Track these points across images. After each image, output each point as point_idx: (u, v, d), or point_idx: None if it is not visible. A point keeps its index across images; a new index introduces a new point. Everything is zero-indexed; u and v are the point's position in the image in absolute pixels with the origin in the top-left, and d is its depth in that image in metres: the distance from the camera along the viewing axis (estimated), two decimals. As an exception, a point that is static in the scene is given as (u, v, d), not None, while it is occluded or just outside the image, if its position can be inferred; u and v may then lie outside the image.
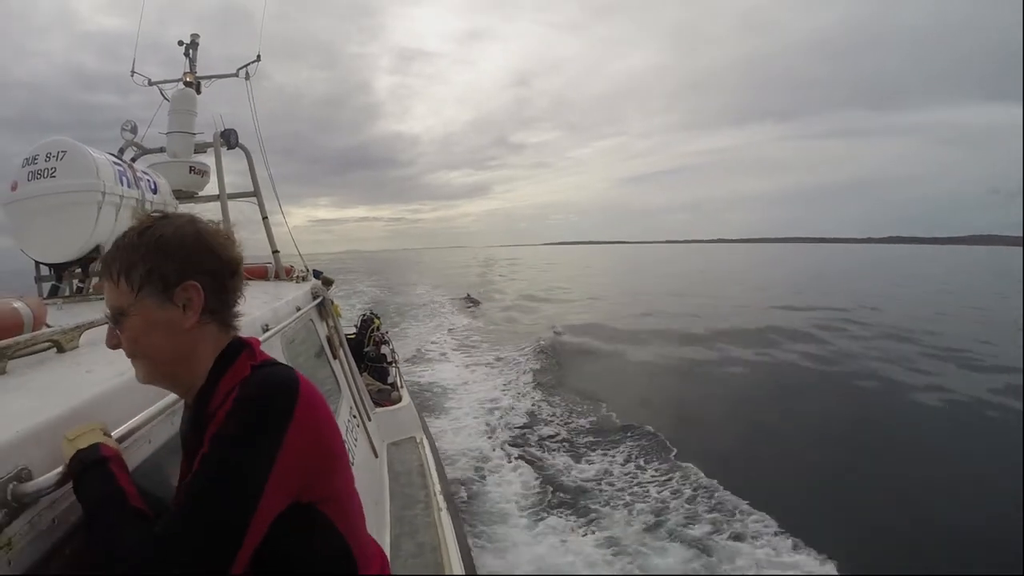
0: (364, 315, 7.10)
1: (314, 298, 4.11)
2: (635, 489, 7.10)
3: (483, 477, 7.10)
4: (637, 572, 5.37)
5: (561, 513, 6.40)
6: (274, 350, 2.55)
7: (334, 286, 4.75)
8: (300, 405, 0.97)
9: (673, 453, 8.12)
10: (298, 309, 3.49)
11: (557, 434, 8.90)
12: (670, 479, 7.30)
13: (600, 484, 7.21)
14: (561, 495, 6.80)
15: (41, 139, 3.18)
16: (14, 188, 3.11)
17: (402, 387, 5.88)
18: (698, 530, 6.08)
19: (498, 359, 15.03)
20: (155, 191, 3.82)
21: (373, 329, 6.47)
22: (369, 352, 5.94)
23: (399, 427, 5.22)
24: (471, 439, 8.43)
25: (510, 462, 7.56)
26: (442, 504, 4.06)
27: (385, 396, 5.50)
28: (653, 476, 7.45)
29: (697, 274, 55.88)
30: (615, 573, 5.14)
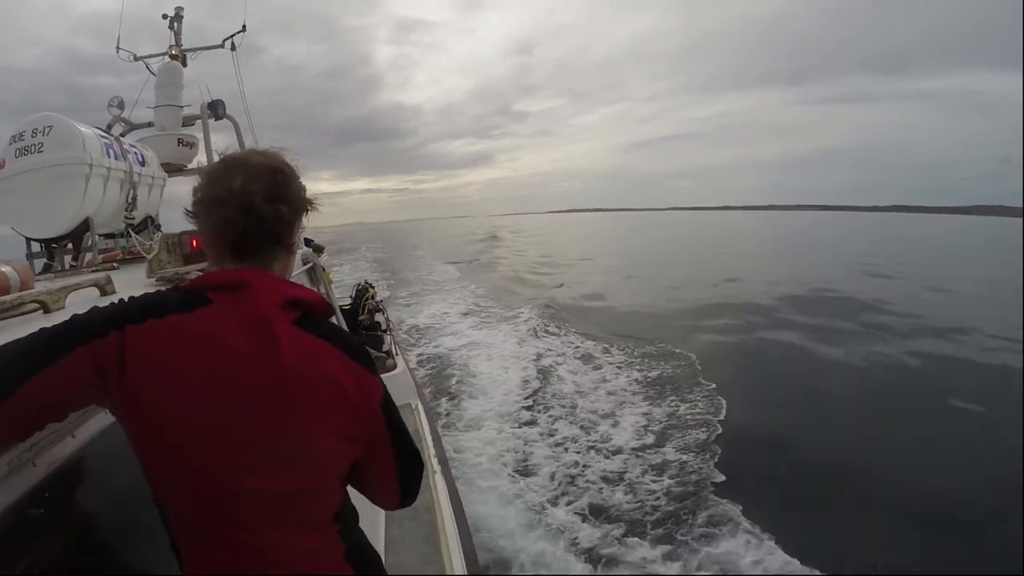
0: (358, 285, 7.17)
1: (304, 264, 4.19)
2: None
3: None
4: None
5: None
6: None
7: (325, 253, 4.82)
8: (127, 335, 1.00)
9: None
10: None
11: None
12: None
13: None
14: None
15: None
16: (2, 166, 3.18)
17: (397, 355, 5.98)
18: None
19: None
20: (143, 163, 3.87)
21: (367, 298, 6.56)
22: (363, 320, 6.03)
23: (395, 394, 5.25)
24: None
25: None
26: (436, 467, 4.20)
27: (380, 364, 5.59)
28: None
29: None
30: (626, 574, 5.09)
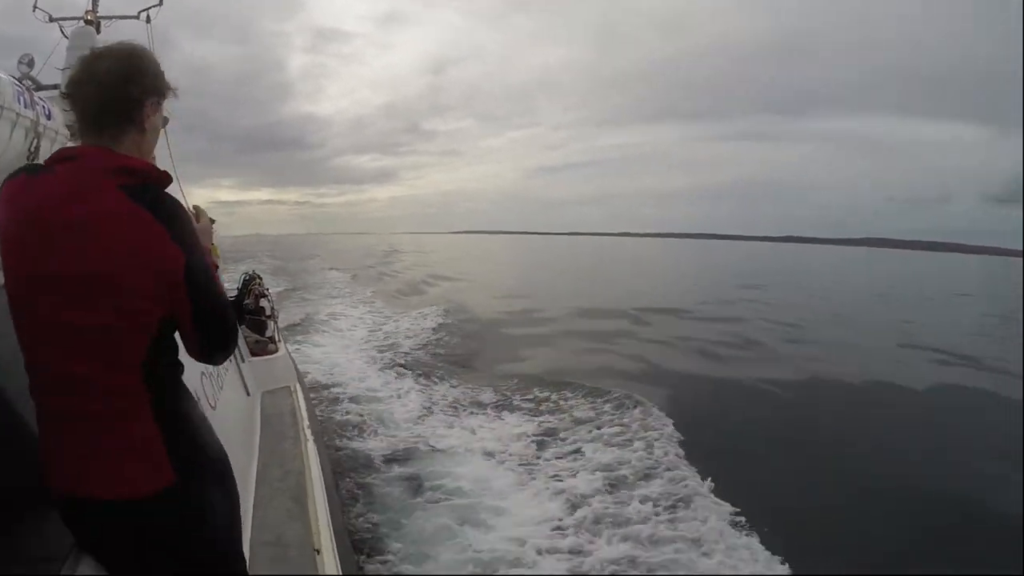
0: (245, 274, 7.21)
1: None
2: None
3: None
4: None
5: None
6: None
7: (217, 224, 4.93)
8: None
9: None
10: None
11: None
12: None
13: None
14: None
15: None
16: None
17: (280, 340, 6.12)
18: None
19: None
20: (49, 117, 3.92)
21: (254, 284, 6.63)
22: (248, 305, 6.12)
23: (275, 377, 5.48)
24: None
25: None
26: (309, 436, 4.41)
27: (262, 347, 5.73)
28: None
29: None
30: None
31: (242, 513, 3.10)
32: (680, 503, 6.08)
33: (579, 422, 8.66)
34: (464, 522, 5.56)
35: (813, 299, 29.33)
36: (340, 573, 3.03)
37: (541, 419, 8.83)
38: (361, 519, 5.49)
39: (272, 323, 6.21)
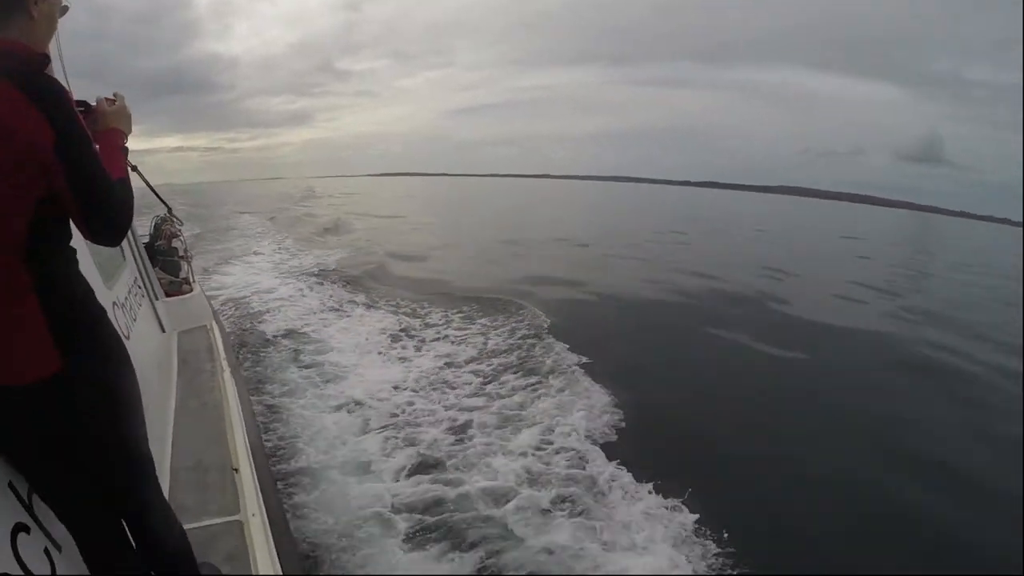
0: (156, 217, 6.99)
1: None
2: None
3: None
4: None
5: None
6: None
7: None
8: None
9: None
10: None
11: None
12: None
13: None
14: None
15: None
16: None
17: (194, 281, 6.08)
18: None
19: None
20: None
21: (165, 225, 6.48)
22: (160, 246, 6.01)
23: (190, 316, 5.47)
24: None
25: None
26: (225, 367, 4.49)
27: (176, 288, 5.69)
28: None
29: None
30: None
31: (162, 444, 3.22)
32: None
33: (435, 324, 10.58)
34: (327, 380, 7.54)
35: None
36: (256, 486, 3.16)
37: (400, 318, 10.92)
38: (275, 435, 5.89)
39: (186, 264, 6.13)
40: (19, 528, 1.44)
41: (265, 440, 5.28)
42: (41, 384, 1.35)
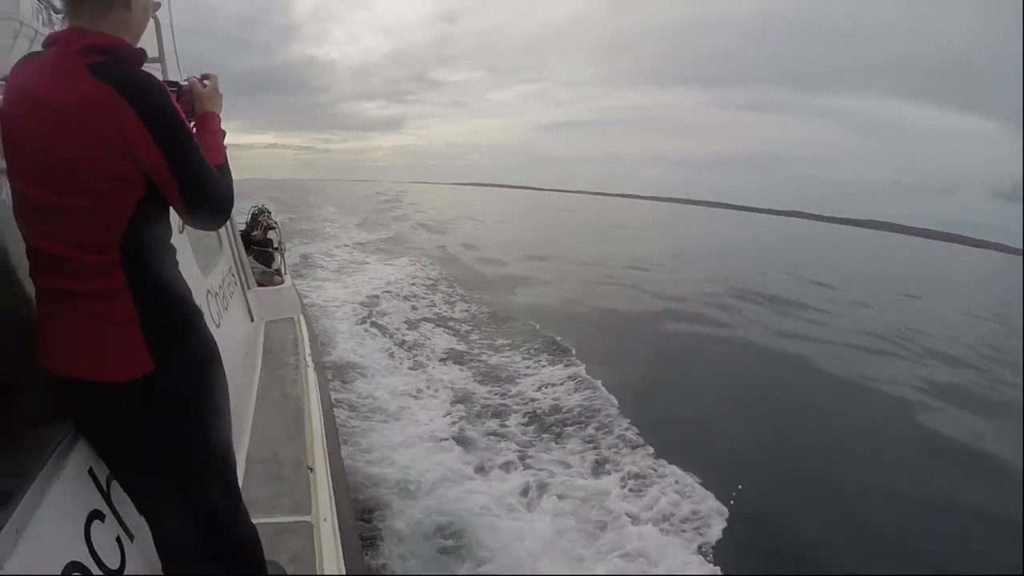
0: (253, 208, 7.29)
1: None
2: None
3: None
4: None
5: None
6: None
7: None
8: None
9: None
10: None
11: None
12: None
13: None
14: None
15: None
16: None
17: (286, 273, 6.27)
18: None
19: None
20: (67, 38, 3.97)
21: (262, 216, 6.73)
22: (256, 236, 6.23)
23: (279, 307, 5.63)
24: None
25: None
26: (309, 363, 4.56)
27: (268, 278, 5.88)
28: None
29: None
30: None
31: (241, 433, 3.27)
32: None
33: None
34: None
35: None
36: (330, 488, 3.13)
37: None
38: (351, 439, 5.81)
39: (279, 255, 6.33)
40: (94, 515, 1.45)
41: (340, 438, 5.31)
42: (131, 383, 1.36)
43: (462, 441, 6.00)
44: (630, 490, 5.36)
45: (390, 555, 4.33)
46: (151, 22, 5.20)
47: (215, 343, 1.59)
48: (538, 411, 7.03)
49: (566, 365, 8.65)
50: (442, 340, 9.83)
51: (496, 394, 7.56)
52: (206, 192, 1.40)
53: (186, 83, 1.73)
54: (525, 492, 5.24)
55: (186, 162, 1.34)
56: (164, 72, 5.28)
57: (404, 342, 9.19)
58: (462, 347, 9.60)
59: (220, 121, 1.72)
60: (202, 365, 1.53)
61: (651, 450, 6.01)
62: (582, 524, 4.86)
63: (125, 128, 1.23)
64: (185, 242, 3.07)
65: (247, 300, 4.82)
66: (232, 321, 4.03)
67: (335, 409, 5.62)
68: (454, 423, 6.41)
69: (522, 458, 5.81)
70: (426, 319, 11.08)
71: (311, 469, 3.16)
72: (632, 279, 20.00)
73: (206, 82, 1.74)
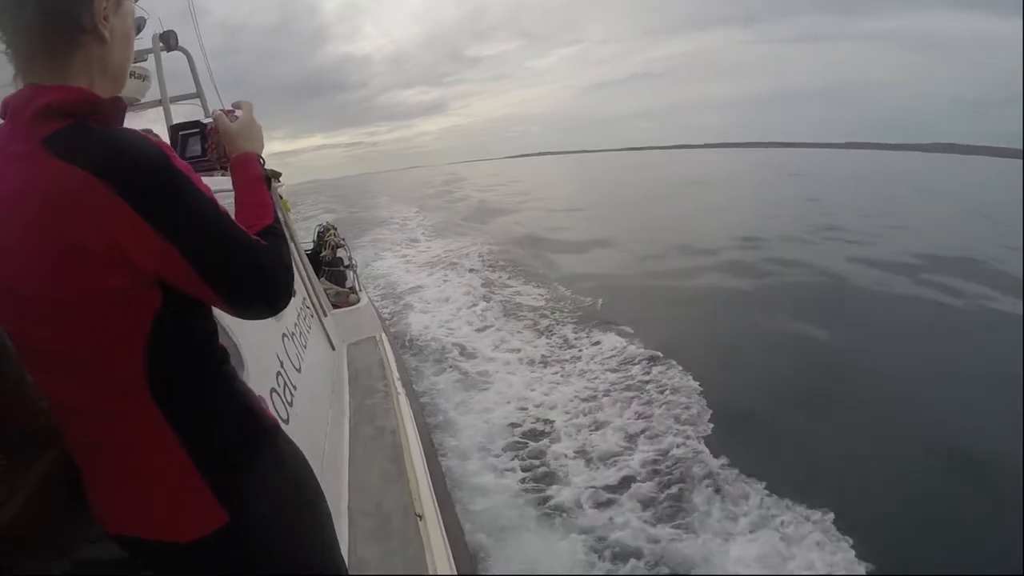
0: (320, 226, 7.10)
1: None
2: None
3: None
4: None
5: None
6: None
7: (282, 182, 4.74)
8: None
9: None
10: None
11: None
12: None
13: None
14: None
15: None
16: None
17: (361, 290, 6.03)
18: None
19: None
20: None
21: (329, 235, 6.53)
22: (325, 256, 6.02)
23: (359, 328, 5.40)
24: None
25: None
26: (400, 390, 4.27)
27: (343, 298, 5.63)
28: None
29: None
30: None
31: (338, 482, 3.00)
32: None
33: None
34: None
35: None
36: (444, 537, 2.89)
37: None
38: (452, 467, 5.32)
39: (351, 272, 6.08)
40: None
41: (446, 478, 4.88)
42: (204, 540, 1.03)
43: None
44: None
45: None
46: (181, 56, 5.00)
47: (298, 452, 1.26)
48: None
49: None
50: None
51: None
52: (249, 277, 0.99)
53: (211, 121, 1.32)
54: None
55: (211, 244, 0.94)
56: (204, 106, 5.08)
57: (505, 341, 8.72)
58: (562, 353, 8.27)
59: (263, 163, 1.29)
60: (289, 492, 1.19)
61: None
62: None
63: (113, 225, 0.83)
64: None
65: (325, 328, 4.53)
66: (314, 358, 3.73)
67: (433, 433, 5.29)
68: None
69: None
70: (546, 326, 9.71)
71: (420, 516, 2.88)
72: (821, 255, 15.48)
73: (237, 113, 1.33)
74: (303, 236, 6.34)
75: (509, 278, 13.11)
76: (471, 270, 13.86)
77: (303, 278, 4.53)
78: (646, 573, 4.10)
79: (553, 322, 9.60)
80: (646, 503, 4.86)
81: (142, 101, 4.88)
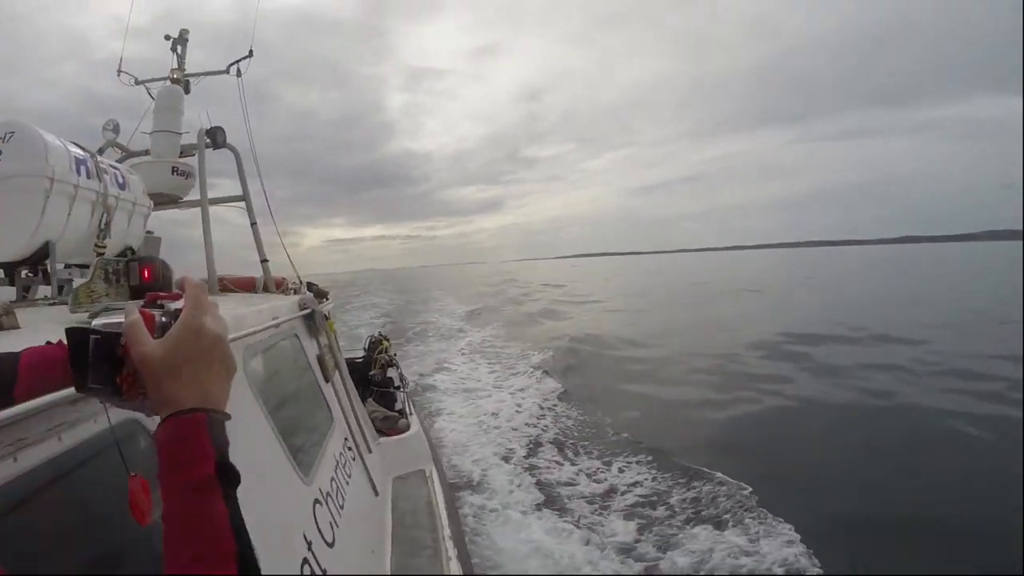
0: (372, 337, 6.59)
1: (301, 310, 3.50)
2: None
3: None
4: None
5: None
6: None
7: (330, 302, 4.20)
8: None
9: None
10: (275, 319, 2.89)
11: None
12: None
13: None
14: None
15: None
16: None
17: (412, 414, 5.29)
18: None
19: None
20: (123, 187, 3.38)
21: (381, 351, 5.96)
22: (375, 376, 5.41)
23: (406, 459, 4.66)
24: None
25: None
26: (451, 552, 3.45)
27: (391, 424, 4.94)
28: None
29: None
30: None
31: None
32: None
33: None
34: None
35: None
36: None
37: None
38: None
39: (403, 394, 5.42)
40: None
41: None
42: None
43: None
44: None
45: None
46: (229, 154, 4.73)
47: None
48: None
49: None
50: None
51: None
52: None
53: (136, 318, 0.70)
54: None
55: None
56: (249, 211, 4.69)
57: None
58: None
59: (221, 418, 0.69)
60: None
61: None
62: None
63: None
64: (276, 444, 2.16)
65: (368, 470, 3.78)
66: (352, 519, 2.95)
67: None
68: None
69: None
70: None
71: None
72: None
73: (163, 319, 0.72)
74: (353, 323, 5.75)
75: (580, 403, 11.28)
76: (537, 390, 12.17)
77: (345, 409, 3.83)
78: (646, 573, 4.03)
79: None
80: None
81: (184, 199, 4.57)
